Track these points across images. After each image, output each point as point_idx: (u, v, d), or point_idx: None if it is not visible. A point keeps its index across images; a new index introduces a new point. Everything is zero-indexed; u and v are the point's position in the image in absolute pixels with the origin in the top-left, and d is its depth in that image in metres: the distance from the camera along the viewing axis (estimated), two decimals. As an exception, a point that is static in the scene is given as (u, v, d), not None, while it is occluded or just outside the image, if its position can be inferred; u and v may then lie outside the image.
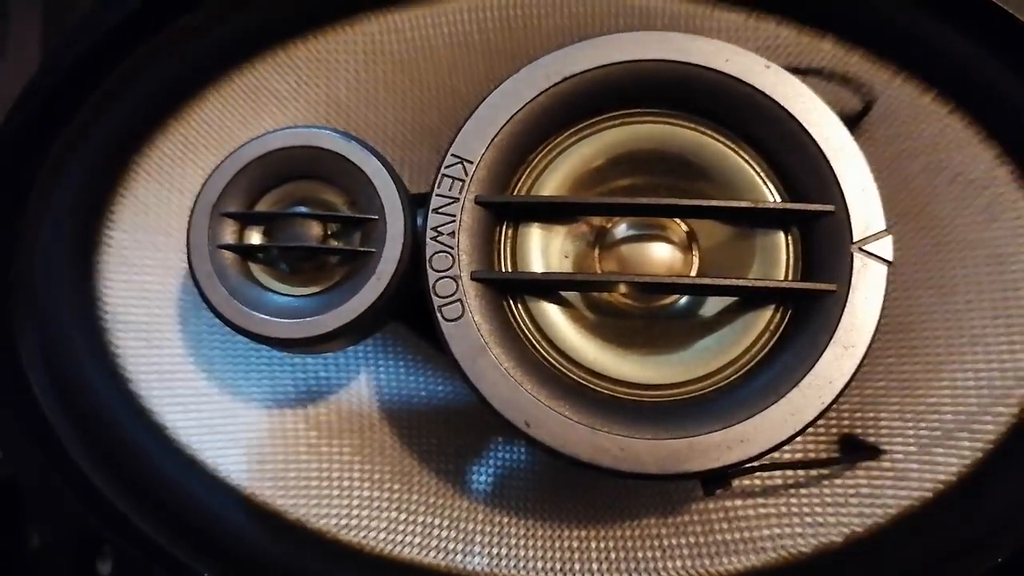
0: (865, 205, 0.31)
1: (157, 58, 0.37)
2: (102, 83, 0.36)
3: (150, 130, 0.38)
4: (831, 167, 0.32)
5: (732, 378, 0.31)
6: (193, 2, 0.37)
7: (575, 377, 0.32)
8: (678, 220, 0.34)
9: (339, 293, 0.32)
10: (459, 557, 0.34)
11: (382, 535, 0.34)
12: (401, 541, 0.34)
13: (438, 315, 0.31)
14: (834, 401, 0.30)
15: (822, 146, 0.32)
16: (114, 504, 0.33)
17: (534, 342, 0.32)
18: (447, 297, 0.31)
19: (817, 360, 0.30)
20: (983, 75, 0.36)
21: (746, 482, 0.35)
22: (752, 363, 0.32)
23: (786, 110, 0.32)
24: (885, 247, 0.31)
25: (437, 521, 0.35)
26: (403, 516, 0.35)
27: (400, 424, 0.37)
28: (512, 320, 0.32)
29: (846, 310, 0.30)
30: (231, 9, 0.37)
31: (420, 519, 0.35)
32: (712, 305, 0.33)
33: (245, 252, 0.32)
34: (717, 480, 0.32)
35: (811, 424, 0.30)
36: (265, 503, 0.35)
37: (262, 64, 0.38)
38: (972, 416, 0.34)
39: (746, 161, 0.33)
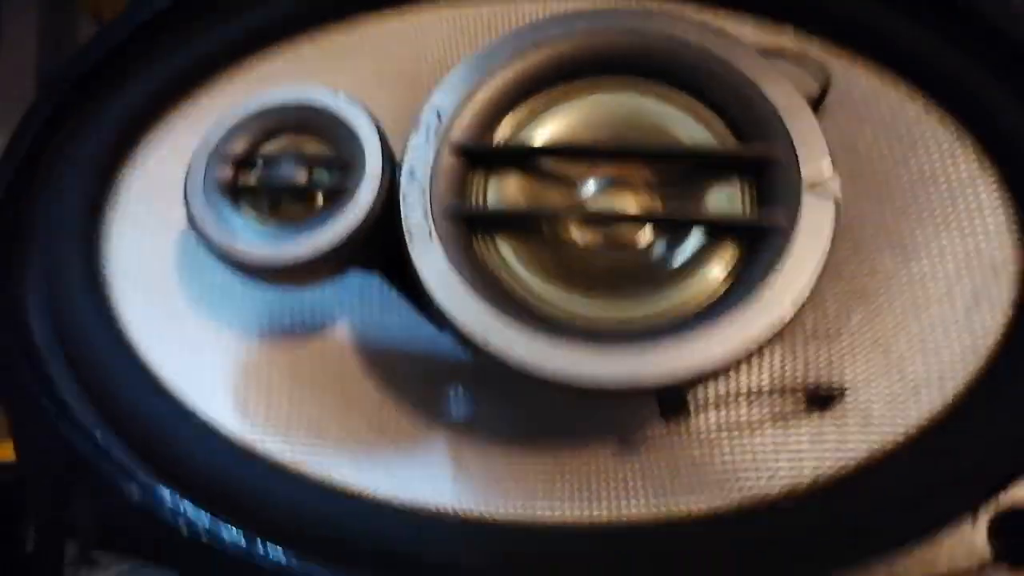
0: (812, 151, 0.33)
1: (175, 48, 0.42)
2: (128, 67, 0.41)
3: (164, 110, 0.42)
4: (781, 120, 0.34)
5: (687, 313, 0.32)
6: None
7: (536, 305, 0.33)
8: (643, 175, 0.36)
9: (315, 223, 0.34)
10: (421, 493, 0.34)
11: (347, 471, 0.35)
12: (367, 478, 0.35)
13: (408, 242, 0.33)
14: (787, 323, 0.31)
15: (774, 102, 0.34)
16: (93, 429, 0.35)
17: (498, 275, 0.34)
18: (417, 226, 0.33)
19: (768, 284, 0.31)
20: (939, 57, 0.39)
21: (711, 423, 0.35)
22: (706, 301, 0.33)
23: (741, 72, 0.35)
24: (833, 187, 0.32)
25: (402, 461, 0.35)
26: (369, 455, 0.36)
27: (377, 372, 0.38)
28: (480, 254, 0.34)
29: (796, 240, 0.32)
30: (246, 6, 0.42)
31: (386, 459, 0.35)
32: (672, 251, 0.34)
33: (234, 190, 0.35)
34: (674, 403, 0.33)
35: (764, 343, 0.30)
36: (241, 438, 0.36)
37: (270, 58, 0.43)
38: (939, 370, 0.35)
39: (706, 123, 0.36)
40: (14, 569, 0.48)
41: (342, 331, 0.39)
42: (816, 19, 0.40)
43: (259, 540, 0.33)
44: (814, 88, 0.39)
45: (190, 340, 0.38)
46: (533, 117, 0.37)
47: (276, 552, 0.32)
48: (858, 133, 0.39)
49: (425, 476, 0.35)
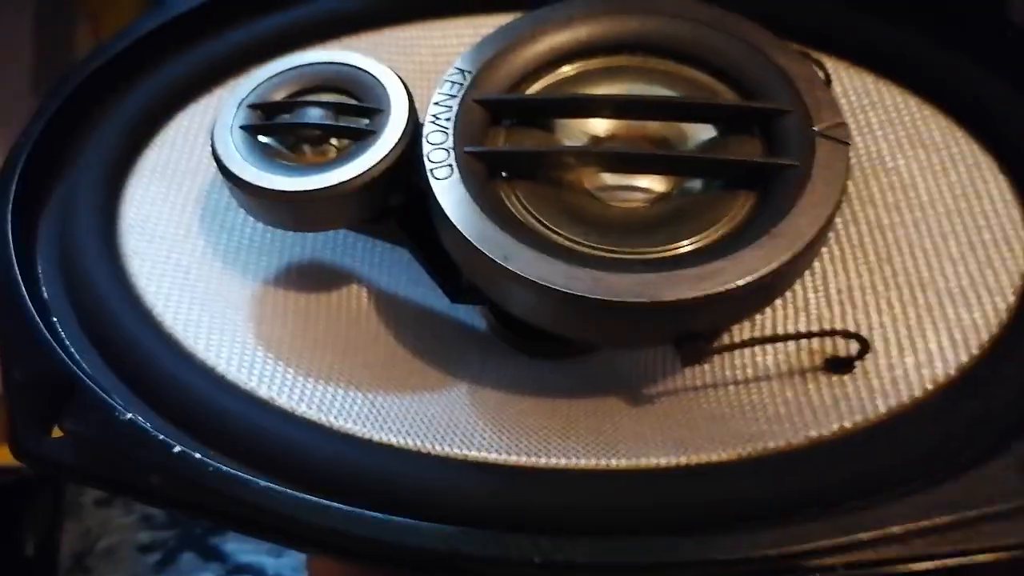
0: (821, 103, 0.34)
1: (214, 36, 0.44)
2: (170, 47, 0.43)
3: (197, 93, 0.43)
4: (790, 78, 0.35)
5: (702, 244, 0.32)
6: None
7: (554, 239, 0.33)
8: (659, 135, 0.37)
9: (339, 161, 0.34)
10: (428, 441, 0.33)
11: (352, 421, 0.33)
12: (372, 427, 0.33)
13: (429, 176, 0.33)
14: (804, 249, 0.31)
15: (778, 62, 0.36)
16: (89, 364, 0.33)
17: (517, 215, 0.34)
18: (439, 162, 0.34)
19: (787, 214, 0.31)
20: (927, 56, 0.41)
21: (729, 379, 0.34)
22: (723, 236, 0.33)
23: (746, 41, 0.37)
24: (843, 133, 0.33)
25: (409, 415, 0.34)
26: (378, 408, 0.34)
27: (387, 334, 0.37)
28: (501, 194, 0.34)
29: (812, 177, 0.32)
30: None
31: (393, 412, 0.34)
32: (688, 199, 0.35)
33: (259, 130, 0.36)
34: (695, 347, 0.32)
35: (786, 267, 0.30)
36: (246, 385, 0.34)
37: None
38: (961, 331, 0.34)
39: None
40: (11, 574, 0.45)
41: (353, 293, 0.39)
42: (818, 36, 0.42)
43: (254, 475, 0.31)
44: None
45: (198, 293, 0.37)
46: (556, 88, 0.38)
47: (273, 487, 0.30)
48: (864, 129, 0.41)
49: (432, 428, 0.33)
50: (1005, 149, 0.38)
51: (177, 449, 0.30)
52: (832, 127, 0.34)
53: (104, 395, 0.31)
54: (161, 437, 0.30)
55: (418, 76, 0.44)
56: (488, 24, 0.46)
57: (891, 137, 0.40)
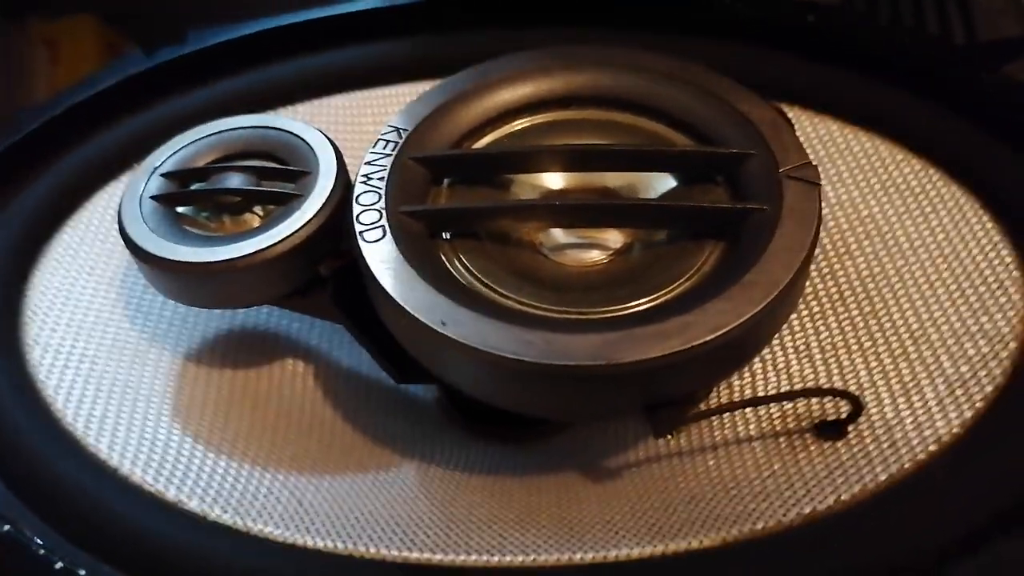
0: (787, 145, 0.31)
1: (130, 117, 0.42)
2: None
3: (114, 173, 0.40)
4: (753, 123, 0.32)
5: (666, 299, 0.29)
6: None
7: (501, 302, 0.29)
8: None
9: (256, 231, 0.31)
10: (363, 544, 0.28)
11: (277, 523, 0.29)
12: (298, 526, 0.28)
13: (359, 240, 0.30)
14: (779, 297, 0.27)
15: (740, 108, 0.33)
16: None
17: (459, 278, 0.30)
18: (370, 224, 0.30)
19: (757, 261, 0.28)
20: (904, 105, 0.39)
21: (708, 454, 0.30)
22: (689, 289, 0.29)
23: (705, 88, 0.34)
24: (811, 174, 0.31)
25: (340, 520, 0.29)
26: (303, 509, 0.29)
27: (322, 422, 0.33)
28: (442, 256, 0.31)
29: (782, 221, 0.29)
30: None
31: (324, 513, 0.29)
32: (648, 252, 0.31)
33: (173, 200, 0.32)
34: (667, 410, 0.28)
35: (760, 319, 0.27)
36: (144, 486, 0.29)
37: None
38: (960, 380, 0.30)
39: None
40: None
41: (287, 376, 0.35)
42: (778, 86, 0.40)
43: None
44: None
45: (104, 386, 0.33)
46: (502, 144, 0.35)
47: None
48: (833, 178, 0.38)
49: (367, 527, 0.29)
50: (987, 190, 0.36)
51: (59, 566, 0.25)
52: (799, 168, 0.31)
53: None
54: (42, 551, 0.26)
55: (359, 145, 0.41)
56: (395, 92, 0.44)
57: (863, 184, 0.38)
